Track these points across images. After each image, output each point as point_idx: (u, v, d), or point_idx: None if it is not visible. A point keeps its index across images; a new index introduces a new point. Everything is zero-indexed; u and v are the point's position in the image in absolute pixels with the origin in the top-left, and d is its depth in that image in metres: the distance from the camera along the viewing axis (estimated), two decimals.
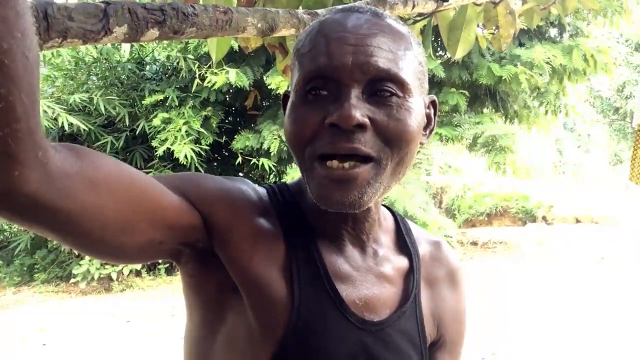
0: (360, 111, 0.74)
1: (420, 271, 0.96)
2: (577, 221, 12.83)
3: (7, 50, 0.49)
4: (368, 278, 0.89)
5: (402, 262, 0.95)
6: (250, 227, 0.83)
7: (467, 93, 8.72)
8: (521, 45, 8.95)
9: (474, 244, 10.87)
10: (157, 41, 0.89)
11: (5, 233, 9.04)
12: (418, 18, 1.86)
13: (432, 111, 0.89)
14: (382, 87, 0.77)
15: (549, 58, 8.34)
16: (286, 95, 0.91)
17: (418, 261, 0.96)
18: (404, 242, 0.97)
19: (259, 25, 1.03)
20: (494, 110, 9.84)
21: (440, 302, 0.98)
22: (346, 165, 0.76)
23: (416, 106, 0.81)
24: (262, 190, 0.90)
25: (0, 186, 0.54)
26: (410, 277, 0.94)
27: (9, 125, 0.51)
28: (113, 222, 0.68)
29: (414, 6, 1.49)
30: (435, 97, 0.90)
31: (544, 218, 12.73)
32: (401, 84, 0.78)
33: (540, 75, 8.50)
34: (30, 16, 0.53)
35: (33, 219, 0.61)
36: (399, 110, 0.78)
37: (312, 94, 0.78)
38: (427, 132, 0.87)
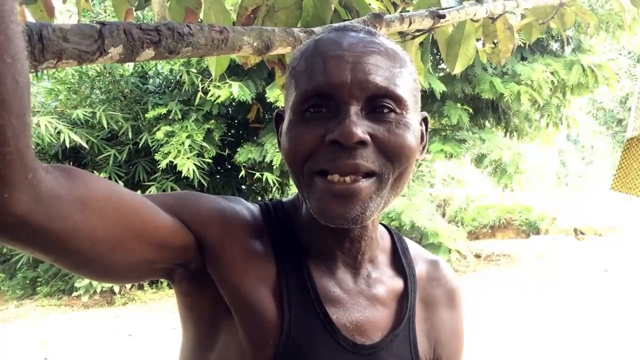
0: (361, 128, 0.75)
1: (416, 292, 0.95)
2: (580, 233, 12.79)
3: None
4: (359, 301, 0.88)
5: (397, 283, 0.94)
6: (242, 248, 0.83)
7: (469, 109, 8.74)
8: (523, 59, 8.97)
9: (478, 256, 10.83)
10: (153, 60, 0.90)
11: (7, 246, 9.03)
12: (417, 34, 1.87)
13: (424, 127, 0.89)
14: (381, 103, 0.78)
15: (550, 74, 8.36)
16: (279, 115, 0.91)
17: (414, 282, 0.95)
18: (400, 262, 0.96)
19: (255, 44, 1.04)
20: (495, 123, 9.85)
21: (437, 322, 0.97)
22: (347, 179, 0.76)
23: (413, 122, 0.81)
24: (256, 209, 0.89)
25: None
26: (404, 299, 0.93)
27: None
28: (103, 242, 0.68)
29: (410, 23, 1.50)
30: (426, 114, 0.90)
31: (547, 230, 12.70)
32: (399, 101, 0.79)
33: (542, 89, 8.51)
34: (22, 40, 0.53)
35: (23, 240, 0.61)
36: (398, 126, 0.78)
37: (310, 112, 0.79)
38: (421, 148, 0.88)
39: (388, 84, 0.78)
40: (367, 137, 0.76)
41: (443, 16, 1.58)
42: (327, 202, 0.77)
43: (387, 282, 0.93)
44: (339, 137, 0.74)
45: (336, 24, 0.93)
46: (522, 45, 7.36)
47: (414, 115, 0.82)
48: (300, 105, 0.79)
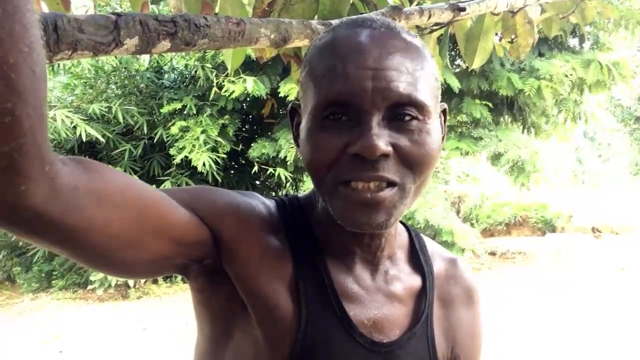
0: (383, 140, 0.73)
1: (434, 290, 0.94)
2: (597, 231, 12.66)
3: (14, 65, 0.48)
4: (377, 298, 0.87)
5: (415, 281, 0.92)
6: (258, 244, 0.82)
7: (490, 104, 8.65)
8: (541, 55, 8.85)
9: (493, 254, 10.77)
10: (168, 52, 0.89)
11: (23, 240, 9.11)
12: (435, 27, 1.84)
13: (442, 119, 0.87)
14: (403, 111, 0.76)
15: (568, 71, 8.26)
16: (293, 108, 0.89)
17: (432, 280, 0.94)
18: (417, 260, 0.95)
19: (272, 37, 1.02)
20: (512, 119, 9.76)
21: (455, 321, 0.96)
22: (372, 185, 0.75)
23: (435, 127, 0.80)
24: (272, 205, 0.88)
25: (6, 200, 0.53)
26: (422, 296, 0.92)
27: (15, 139, 0.50)
28: (119, 237, 0.67)
29: (430, 16, 1.47)
30: (445, 105, 0.88)
31: (563, 228, 12.58)
32: (421, 108, 0.77)
33: (563, 84, 8.41)
34: (38, 30, 0.52)
35: (39, 233, 0.60)
36: (420, 134, 0.77)
37: (329, 119, 0.77)
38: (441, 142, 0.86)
39: (411, 90, 0.75)
40: (390, 149, 0.74)
41: (463, 9, 1.55)
42: (352, 210, 0.76)
43: (405, 280, 0.92)
44: (362, 150, 0.73)
45: (354, 17, 0.91)
46: (542, 38, 7.27)
47: (435, 117, 0.81)
48: (321, 112, 0.77)
